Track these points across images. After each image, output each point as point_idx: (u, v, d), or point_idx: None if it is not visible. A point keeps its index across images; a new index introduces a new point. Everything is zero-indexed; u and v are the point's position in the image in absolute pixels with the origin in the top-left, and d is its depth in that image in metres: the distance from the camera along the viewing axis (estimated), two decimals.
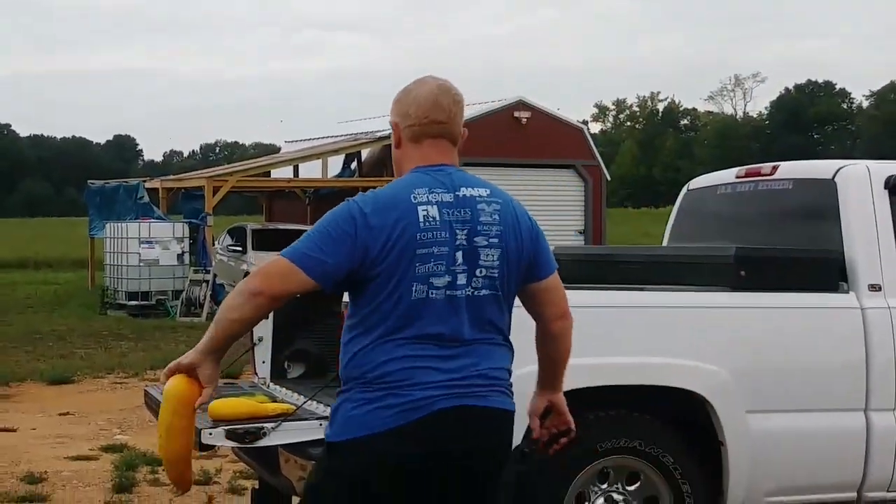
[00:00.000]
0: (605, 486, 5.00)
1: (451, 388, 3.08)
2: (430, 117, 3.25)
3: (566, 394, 4.77)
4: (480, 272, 3.15)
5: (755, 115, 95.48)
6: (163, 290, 20.61)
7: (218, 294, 20.52)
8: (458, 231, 3.13)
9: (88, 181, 27.60)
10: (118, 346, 15.50)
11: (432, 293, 3.09)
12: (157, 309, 20.32)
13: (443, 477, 3.08)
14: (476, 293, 3.15)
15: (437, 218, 3.11)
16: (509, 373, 3.22)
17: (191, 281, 20.43)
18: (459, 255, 3.13)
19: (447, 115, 3.25)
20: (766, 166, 6.26)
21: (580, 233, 24.22)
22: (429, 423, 3.05)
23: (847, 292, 5.39)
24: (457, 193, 3.17)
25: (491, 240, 3.17)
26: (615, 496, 5.00)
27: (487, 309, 3.18)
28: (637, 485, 5.02)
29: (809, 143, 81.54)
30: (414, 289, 3.08)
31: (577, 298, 5.15)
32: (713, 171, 7.09)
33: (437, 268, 3.10)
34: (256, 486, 5.78)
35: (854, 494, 5.31)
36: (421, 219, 3.11)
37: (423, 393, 3.06)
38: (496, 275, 3.18)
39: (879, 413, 5.27)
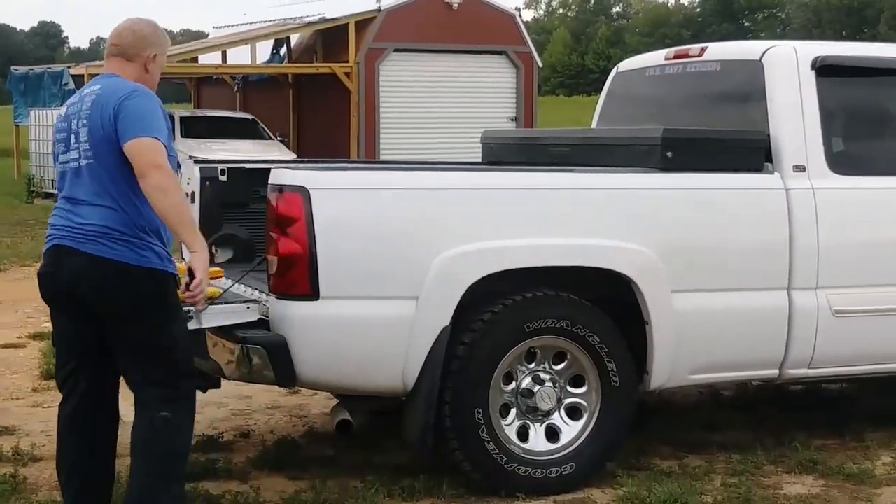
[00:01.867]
0: (532, 365, 5.05)
1: (60, 232, 4.23)
2: (109, 42, 4.43)
3: (501, 274, 4.85)
4: (82, 147, 4.22)
5: (686, 3, 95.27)
6: None
7: None
8: (73, 120, 4.27)
9: (12, 67, 26.92)
10: (45, 234, 15.28)
11: (61, 167, 4.31)
12: None
13: (63, 293, 4.27)
14: (85, 163, 4.21)
15: (63, 113, 4.36)
16: (113, 230, 4.13)
17: None
18: (72, 137, 4.26)
19: (119, 40, 4.38)
20: (695, 48, 6.24)
21: (512, 120, 24.08)
22: (47, 253, 4.32)
23: (772, 173, 5.43)
24: (82, 94, 4.33)
25: (82, 121, 4.22)
26: (542, 375, 5.05)
27: (96, 176, 4.17)
28: (563, 364, 5.08)
29: (740, 30, 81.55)
30: (57, 165, 4.36)
31: (503, 180, 5.20)
32: None
33: (60, 148, 4.32)
34: None
35: (776, 371, 5.42)
36: (57, 117, 4.44)
37: (49, 232, 4.31)
38: (88, 147, 4.20)
39: (801, 292, 5.36)
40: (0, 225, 16.39)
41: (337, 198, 4.79)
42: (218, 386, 5.72)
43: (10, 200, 20.45)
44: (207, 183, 5.90)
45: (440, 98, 23.25)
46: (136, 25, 4.46)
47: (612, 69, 7.00)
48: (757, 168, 5.44)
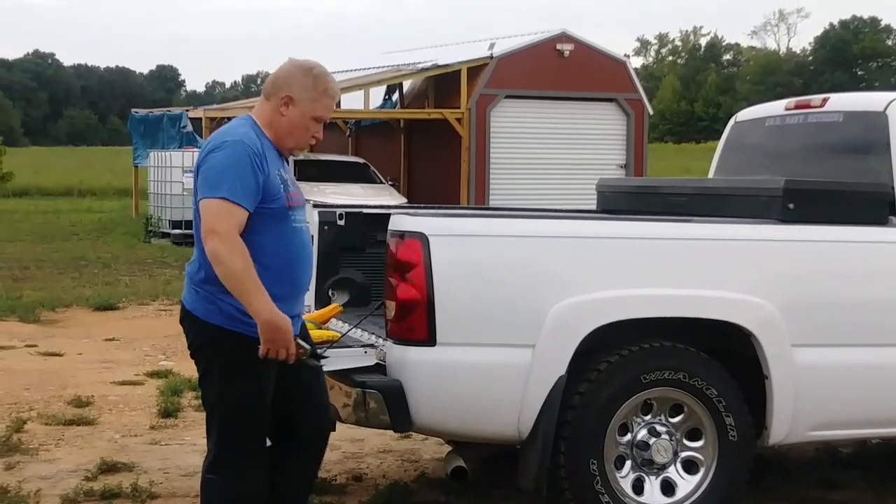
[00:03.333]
0: (648, 417, 5.01)
1: None
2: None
3: (618, 324, 4.83)
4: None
5: (798, 51, 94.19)
6: None
7: None
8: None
9: (132, 110, 27.68)
10: (162, 274, 15.65)
11: None
12: None
13: None
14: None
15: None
16: (192, 279, 4.21)
17: None
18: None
19: (269, 78, 4.38)
20: (816, 98, 6.18)
21: (622, 167, 23.96)
22: None
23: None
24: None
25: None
26: (658, 427, 5.00)
27: (196, 224, 4.25)
28: (680, 417, 5.03)
29: (853, 79, 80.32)
30: None
31: (621, 229, 5.18)
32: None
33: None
34: None
35: None
36: None
37: None
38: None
39: None
40: (119, 264, 16.81)
41: (456, 244, 4.83)
42: (334, 429, 5.79)
43: (129, 240, 20.97)
44: (326, 227, 5.99)
45: (550, 144, 23.27)
46: (285, 65, 4.31)
47: (721, 116, 7.00)
48: (881, 221, 5.34)
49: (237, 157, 4.02)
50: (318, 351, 4.74)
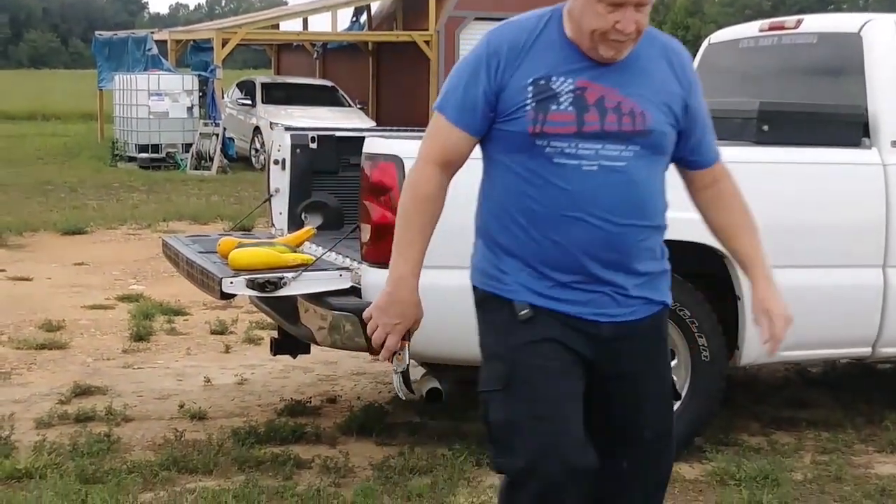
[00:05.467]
0: None
1: None
2: None
3: None
4: None
5: None
6: (172, 143, 20.53)
7: (227, 148, 20.47)
8: None
9: (96, 32, 27.28)
10: (130, 198, 15.54)
11: None
12: (167, 162, 20.29)
13: None
14: None
15: None
16: None
17: (201, 134, 20.34)
18: None
19: None
20: (790, 20, 6.15)
21: None
22: None
23: (870, 148, 5.34)
24: None
25: None
26: None
27: None
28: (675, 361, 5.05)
29: (822, 2, 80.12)
30: None
31: None
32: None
33: None
34: (276, 336, 5.83)
35: (869, 350, 5.35)
36: None
37: None
38: None
39: None
40: (86, 188, 16.67)
41: None
42: (308, 352, 5.82)
43: (95, 164, 20.77)
44: (298, 150, 5.94)
45: None
46: None
47: (689, 39, 6.96)
48: (854, 143, 5.35)
49: (469, 56, 3.00)
50: (292, 275, 4.72)
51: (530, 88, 2.84)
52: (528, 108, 2.84)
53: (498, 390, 2.94)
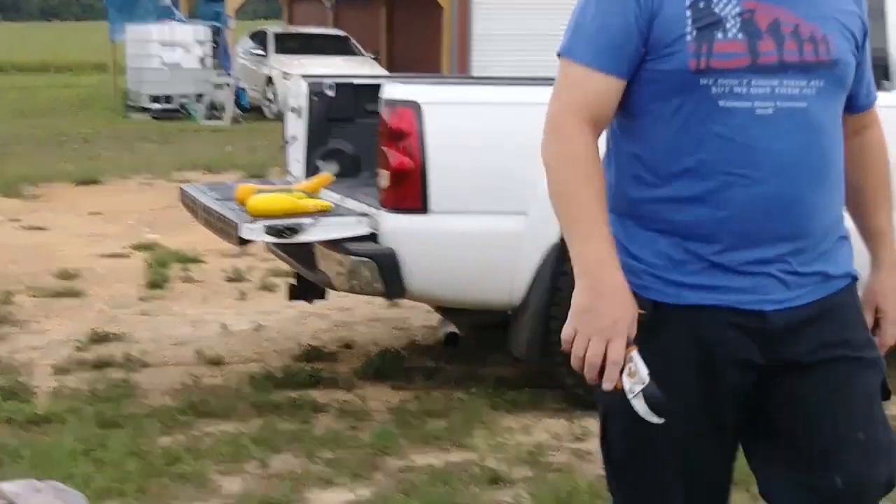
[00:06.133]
0: None
1: None
2: None
3: None
4: None
5: None
6: (185, 94, 20.49)
7: (240, 98, 20.43)
8: None
9: None
10: (143, 149, 15.54)
11: None
12: (179, 112, 20.25)
13: None
14: None
15: None
16: None
17: (213, 84, 20.30)
18: None
19: None
20: None
21: None
22: None
23: (889, 91, 5.30)
24: None
25: None
26: None
27: None
28: None
29: None
30: None
31: None
32: None
33: None
34: (292, 282, 5.85)
35: None
36: None
37: None
38: None
39: None
40: (100, 139, 16.67)
41: (449, 113, 4.81)
42: (323, 297, 5.84)
43: (108, 115, 20.76)
44: (315, 98, 5.93)
45: (536, 15, 22.97)
46: None
47: None
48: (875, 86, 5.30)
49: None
50: (310, 221, 4.73)
51: (689, 13, 2.20)
52: (688, 38, 2.19)
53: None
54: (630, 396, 2.04)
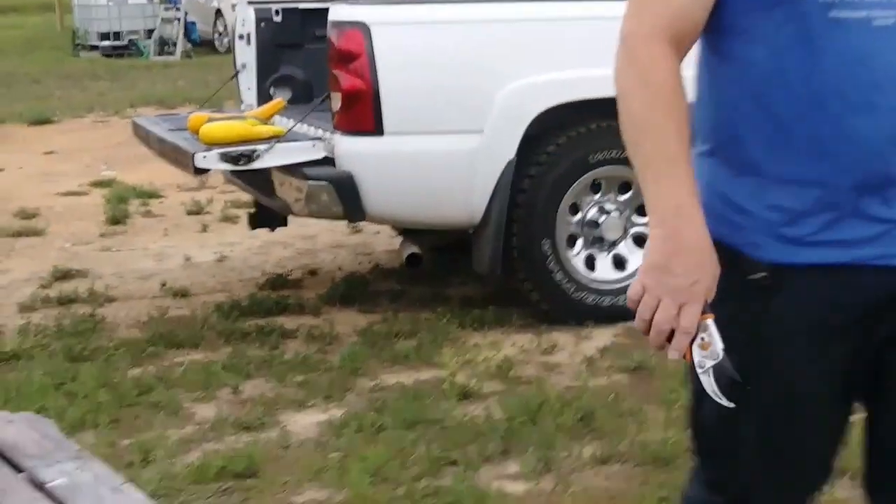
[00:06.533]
0: (597, 196, 5.08)
1: None
2: None
3: (565, 106, 4.80)
4: None
5: None
6: (134, 30, 20.22)
7: (190, 32, 20.18)
8: None
9: None
10: (95, 87, 15.35)
11: None
12: (129, 49, 19.99)
13: None
14: None
15: None
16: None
17: (162, 19, 20.02)
18: None
19: None
20: None
21: None
22: None
23: None
24: None
25: None
26: (607, 206, 5.08)
27: None
28: (629, 194, 5.10)
29: None
30: None
31: (568, 10, 5.12)
32: None
33: None
34: (252, 210, 5.85)
35: None
36: None
37: None
38: None
39: None
40: (49, 79, 16.43)
41: (398, 33, 4.79)
42: (285, 224, 5.85)
43: (57, 54, 20.45)
44: (262, 24, 5.89)
45: None
46: None
47: None
48: None
49: None
50: (264, 147, 4.72)
51: None
52: None
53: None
54: (699, 371, 1.75)
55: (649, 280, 1.75)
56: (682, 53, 1.82)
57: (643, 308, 1.76)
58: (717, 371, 1.74)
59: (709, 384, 1.75)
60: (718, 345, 1.74)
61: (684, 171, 1.77)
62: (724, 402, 1.76)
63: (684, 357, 1.74)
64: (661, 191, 1.76)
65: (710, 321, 1.74)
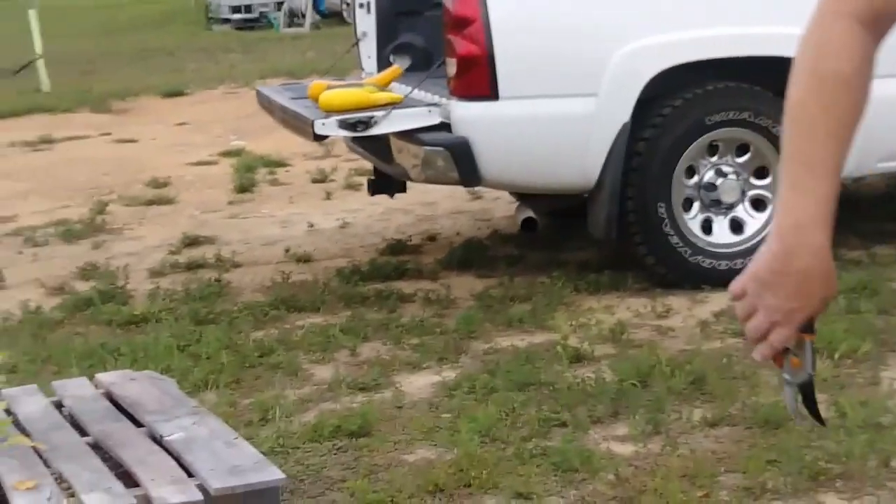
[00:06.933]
0: (714, 158, 5.03)
1: None
2: None
3: (681, 68, 4.73)
4: None
5: None
6: (265, 3, 20.57)
7: (318, 4, 20.43)
8: None
9: None
10: (226, 59, 15.69)
11: None
12: (260, 22, 20.36)
13: None
14: None
15: None
16: None
17: None
18: None
19: None
20: None
21: None
22: None
23: None
24: None
25: None
26: (725, 168, 5.03)
27: None
28: (747, 156, 5.03)
29: None
30: None
31: None
32: None
33: None
34: (372, 177, 5.94)
35: None
36: None
37: None
38: None
39: None
40: (183, 52, 16.85)
41: None
42: (404, 190, 5.93)
43: (191, 28, 20.95)
44: None
45: None
46: None
47: None
48: None
49: None
50: (381, 113, 4.79)
51: None
52: None
53: None
54: (784, 380, 1.66)
55: (751, 287, 1.57)
56: (878, 34, 1.55)
57: (739, 309, 1.61)
58: (803, 390, 1.66)
59: (789, 401, 1.67)
60: (810, 366, 1.63)
61: (821, 182, 1.52)
62: (798, 420, 1.72)
63: (777, 362, 1.64)
64: (788, 200, 1.54)
65: (808, 341, 1.62)
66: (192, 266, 5.73)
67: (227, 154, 8.69)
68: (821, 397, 3.62)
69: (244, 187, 7.51)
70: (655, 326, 4.60)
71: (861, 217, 5.94)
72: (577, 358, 4.25)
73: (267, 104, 5.70)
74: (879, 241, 5.51)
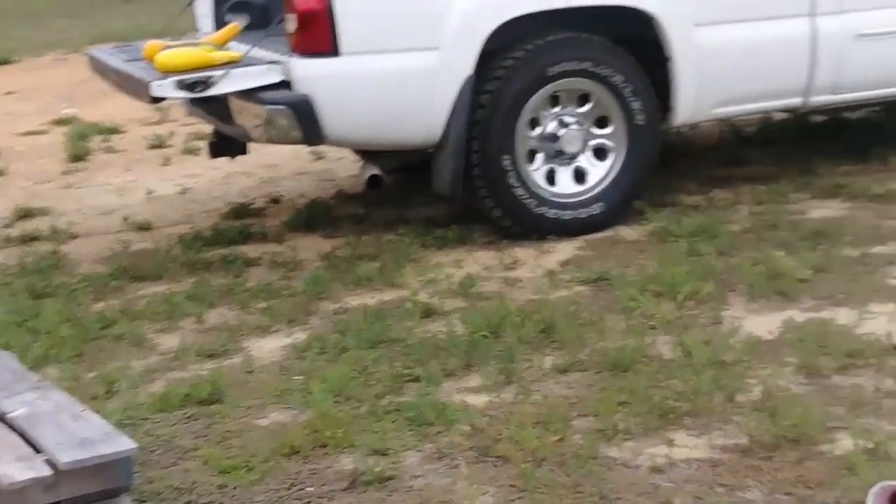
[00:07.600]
0: (556, 109, 5.05)
1: None
2: None
3: (521, 19, 4.75)
4: None
5: None
6: None
7: None
8: None
9: None
10: (54, 25, 15.14)
11: None
12: None
13: None
14: None
15: None
16: None
17: None
18: None
19: None
20: None
21: None
22: None
23: None
24: None
25: None
26: (566, 119, 5.06)
27: None
28: (588, 106, 5.07)
29: None
30: None
31: None
32: None
33: None
34: (212, 140, 5.81)
35: (800, 100, 5.40)
36: None
37: None
38: None
39: (825, 17, 5.28)
40: (7, 18, 16.21)
41: None
42: (245, 152, 5.81)
43: None
44: None
45: None
46: None
47: None
48: None
49: None
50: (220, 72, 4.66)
51: None
52: None
53: None
54: None
55: None
56: None
57: None
58: None
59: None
60: None
61: None
62: None
63: None
64: None
65: None
66: (27, 239, 5.52)
67: (59, 122, 8.39)
68: (666, 338, 3.74)
69: (78, 156, 7.27)
70: (504, 278, 4.61)
71: (697, 163, 6.08)
72: (428, 313, 4.24)
73: (100, 68, 5.50)
74: (716, 186, 5.64)
